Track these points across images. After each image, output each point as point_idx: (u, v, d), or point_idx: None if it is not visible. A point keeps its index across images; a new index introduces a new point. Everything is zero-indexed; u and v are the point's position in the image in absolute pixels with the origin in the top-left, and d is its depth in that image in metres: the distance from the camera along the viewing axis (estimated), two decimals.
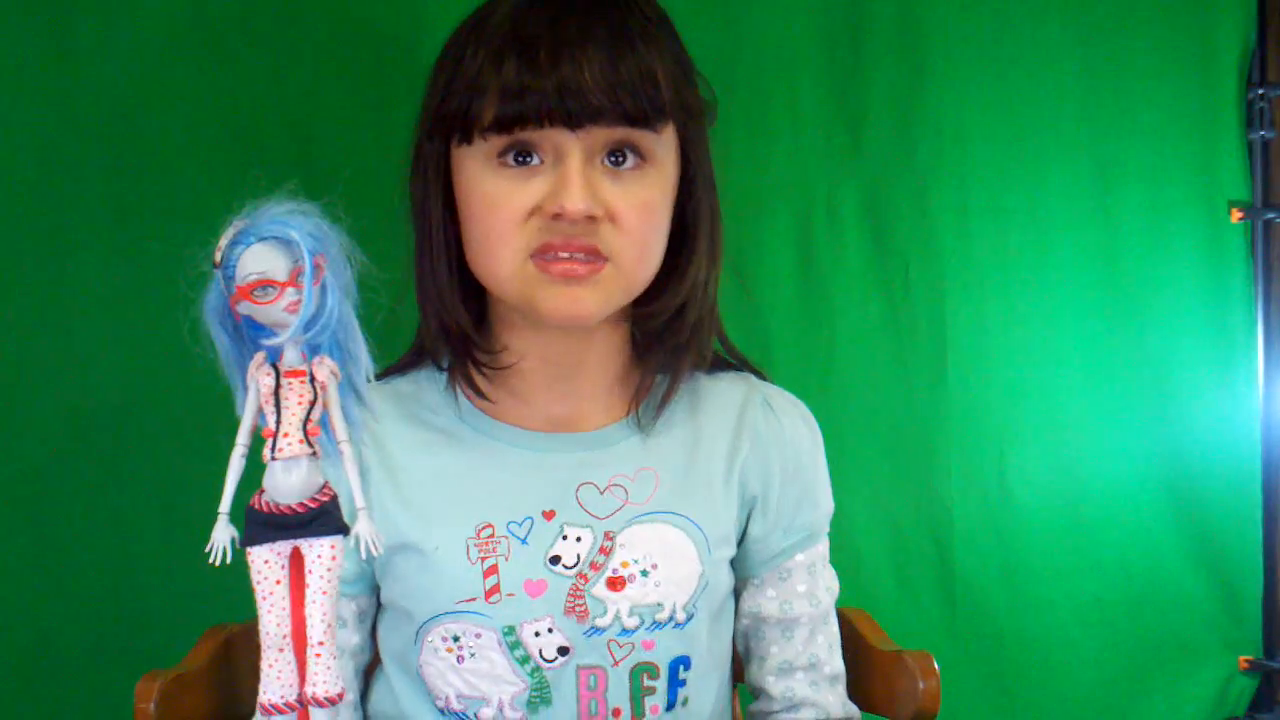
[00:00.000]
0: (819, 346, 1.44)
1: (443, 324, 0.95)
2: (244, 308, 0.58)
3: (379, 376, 0.98)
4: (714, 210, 0.98)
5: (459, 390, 0.98)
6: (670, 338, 0.97)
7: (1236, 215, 1.50)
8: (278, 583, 0.60)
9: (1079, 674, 1.50)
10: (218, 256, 0.58)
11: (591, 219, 0.88)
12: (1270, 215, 1.51)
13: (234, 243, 0.58)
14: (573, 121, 0.87)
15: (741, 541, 1.01)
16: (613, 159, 0.90)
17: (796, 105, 1.42)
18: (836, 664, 1.03)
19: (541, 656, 0.93)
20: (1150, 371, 1.50)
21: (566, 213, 0.87)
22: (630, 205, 0.90)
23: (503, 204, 0.89)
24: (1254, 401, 1.52)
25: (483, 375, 0.96)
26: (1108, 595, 1.50)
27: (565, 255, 0.89)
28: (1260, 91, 1.51)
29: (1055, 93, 1.47)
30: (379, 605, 0.99)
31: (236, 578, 0.62)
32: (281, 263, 0.58)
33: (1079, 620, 1.49)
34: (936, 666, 1.02)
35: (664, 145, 0.92)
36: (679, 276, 0.96)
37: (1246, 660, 1.53)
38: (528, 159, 0.89)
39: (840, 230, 1.44)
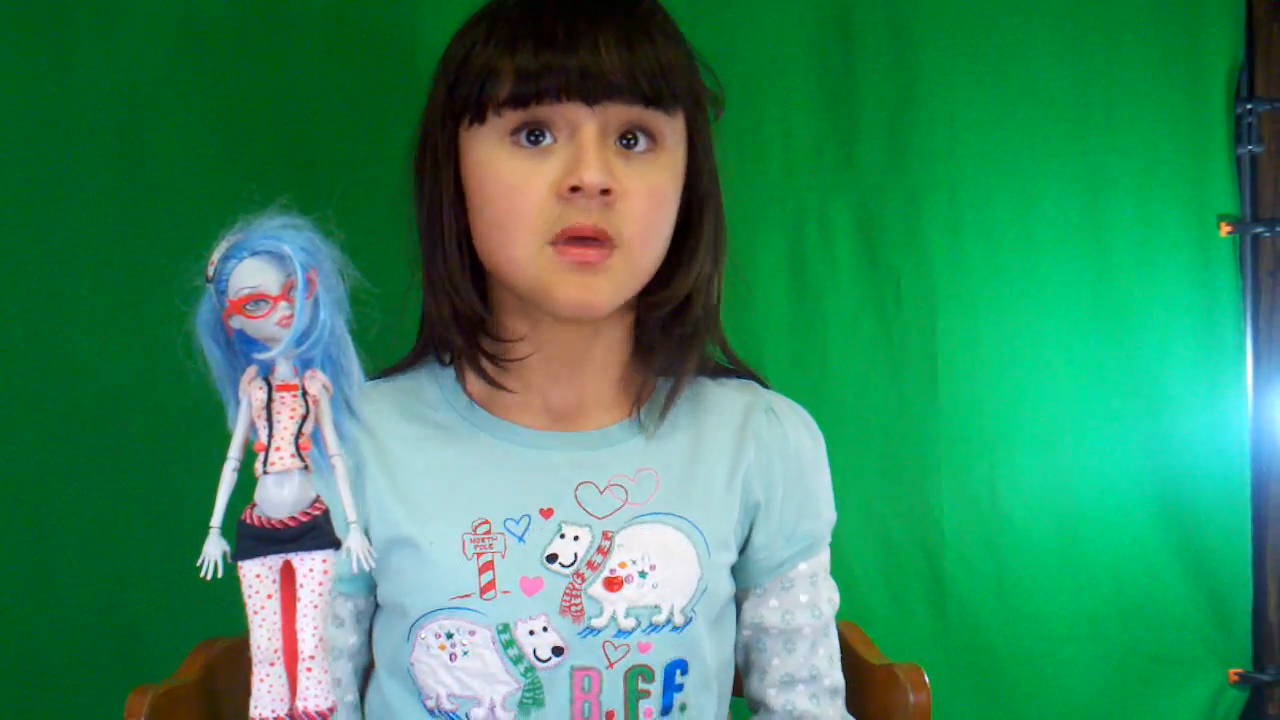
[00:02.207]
0: (811, 360, 1.44)
1: (455, 310, 0.95)
2: (236, 322, 0.59)
3: (380, 374, 1.00)
4: (718, 203, 0.99)
5: (465, 381, 0.98)
6: (675, 328, 0.98)
7: (1225, 229, 1.51)
8: (269, 597, 0.60)
9: (1070, 686, 1.50)
10: (210, 270, 0.59)
11: (607, 193, 0.88)
12: (1259, 229, 1.52)
13: (226, 257, 0.58)
14: (590, 97, 0.88)
15: (744, 550, 1.00)
16: (624, 141, 0.91)
17: (788, 120, 1.43)
18: (836, 677, 1.03)
19: (535, 656, 0.92)
20: (1141, 385, 1.50)
21: (585, 184, 0.87)
22: (640, 187, 0.91)
23: (520, 186, 0.89)
24: (1243, 415, 1.52)
25: (496, 365, 0.95)
26: (1099, 608, 1.50)
27: (581, 239, 0.89)
28: (1249, 106, 1.51)
29: (1046, 108, 1.48)
30: (376, 607, 0.99)
31: (228, 591, 0.62)
32: (274, 277, 0.58)
33: (1070, 633, 1.49)
34: (927, 679, 1.02)
35: (674, 132, 0.93)
36: (684, 266, 0.96)
37: (1236, 673, 1.53)
38: (540, 138, 0.90)
39: (832, 245, 1.44)
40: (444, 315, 0.95)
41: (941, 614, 1.47)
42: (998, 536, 1.48)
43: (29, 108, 1.24)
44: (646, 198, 0.91)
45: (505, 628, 0.92)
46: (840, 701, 1.03)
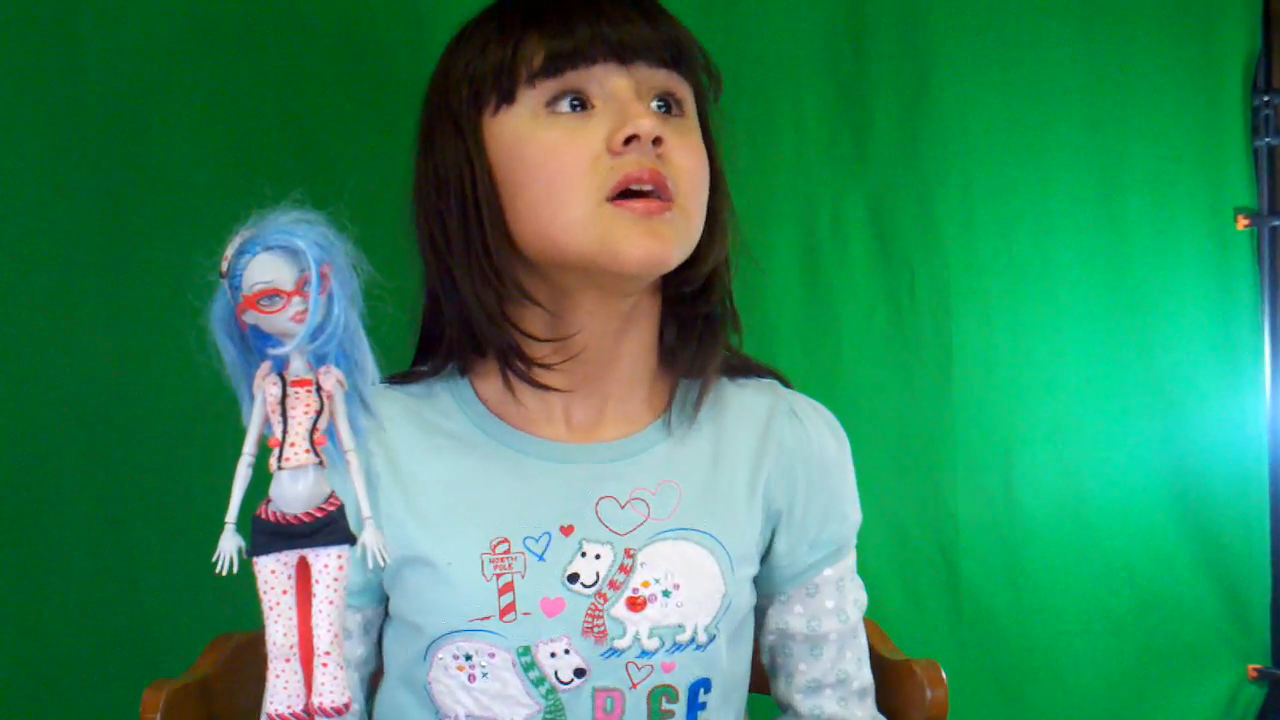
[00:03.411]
0: (824, 355, 1.43)
1: (501, 301, 0.91)
2: (250, 317, 0.58)
3: (386, 380, 0.97)
4: (726, 185, 0.97)
5: (485, 393, 0.95)
6: (699, 316, 0.96)
7: (1242, 222, 1.50)
8: (284, 593, 0.60)
9: (1086, 682, 1.49)
10: (224, 266, 0.58)
11: (658, 143, 0.87)
12: (1276, 222, 1.51)
13: (240, 252, 0.58)
14: (623, 57, 0.87)
15: (766, 557, 0.98)
16: (658, 105, 0.90)
17: (801, 114, 1.42)
18: (865, 677, 1.01)
19: (557, 678, 0.90)
20: (1156, 378, 1.50)
21: (642, 132, 0.86)
22: (684, 144, 0.90)
23: (567, 147, 0.87)
24: (1260, 408, 1.51)
25: (541, 366, 0.92)
26: (1114, 603, 1.49)
27: (646, 190, 0.87)
28: (1265, 98, 1.51)
29: (1060, 101, 1.47)
30: (386, 615, 0.97)
31: (243, 587, 0.61)
32: (288, 272, 0.58)
33: (1085, 628, 1.49)
34: (944, 675, 1.01)
35: (691, 103, 0.93)
36: (707, 243, 0.94)
37: (1255, 669, 1.52)
38: (578, 106, 0.88)
39: (845, 239, 1.44)
40: (490, 309, 0.91)
41: (956, 608, 1.46)
42: (1012, 531, 1.47)
43: (38, 103, 1.24)
44: (691, 154, 0.90)
45: (526, 650, 0.90)
46: (870, 701, 1.01)
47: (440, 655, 0.91)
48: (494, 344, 0.92)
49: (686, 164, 0.89)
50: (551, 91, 0.88)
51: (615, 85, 0.88)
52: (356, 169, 1.27)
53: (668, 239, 0.88)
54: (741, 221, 1.00)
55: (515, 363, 0.92)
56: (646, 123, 0.86)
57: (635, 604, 0.91)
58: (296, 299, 0.58)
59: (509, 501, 0.92)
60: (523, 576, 0.90)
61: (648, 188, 0.87)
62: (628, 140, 0.86)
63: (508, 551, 0.91)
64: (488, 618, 0.90)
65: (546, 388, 0.93)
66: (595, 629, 0.90)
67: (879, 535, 1.43)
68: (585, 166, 0.87)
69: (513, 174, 0.89)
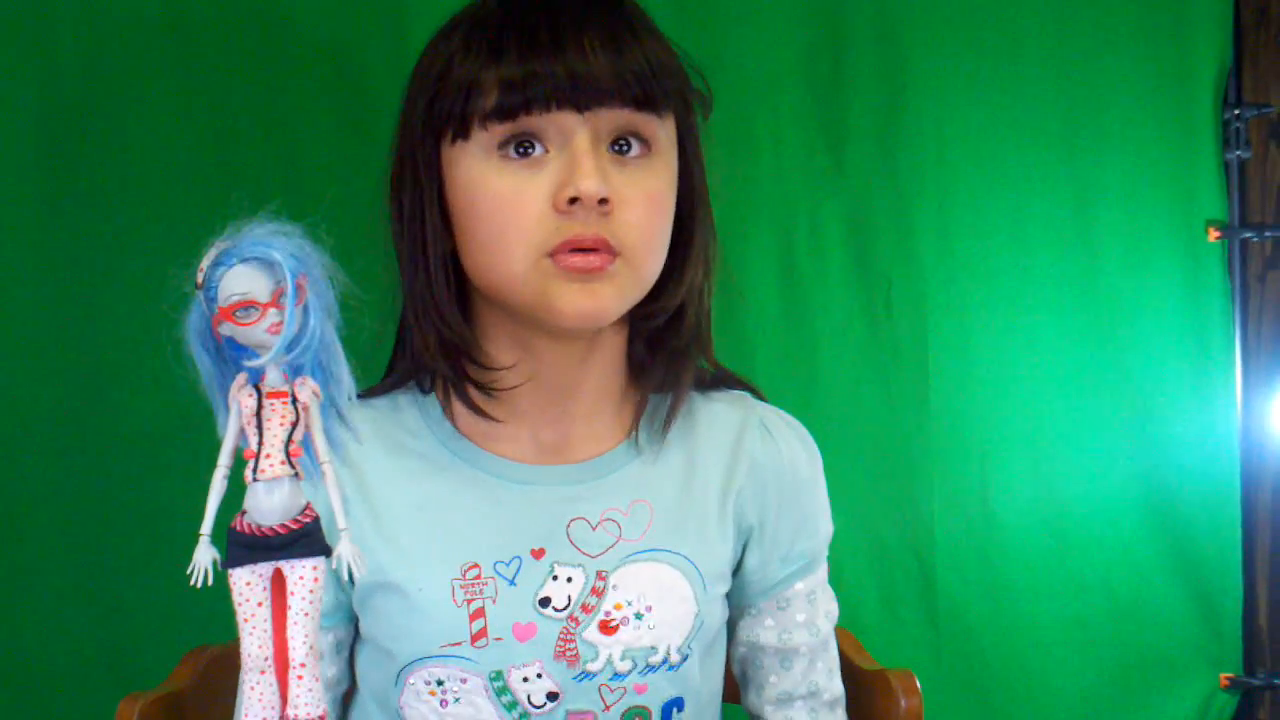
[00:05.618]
0: (801, 366, 1.44)
1: (441, 338, 0.91)
2: (226, 329, 0.58)
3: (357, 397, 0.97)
4: (708, 209, 0.96)
5: (452, 412, 0.94)
6: (668, 342, 0.95)
7: (1214, 234, 1.51)
8: (259, 604, 0.60)
9: (1061, 691, 1.50)
10: (200, 278, 0.58)
11: (604, 202, 0.85)
12: (1247, 234, 1.52)
13: (216, 264, 0.58)
14: (580, 103, 0.85)
15: (737, 571, 0.98)
16: (617, 147, 0.87)
17: (778, 125, 1.43)
18: (836, 688, 1.01)
19: (530, 702, 0.90)
20: (1130, 390, 1.50)
21: (583, 194, 0.84)
22: (638, 193, 0.87)
23: (513, 200, 0.86)
24: (1233, 419, 1.52)
25: (484, 394, 0.92)
26: (1089, 613, 1.50)
27: (582, 250, 0.85)
28: (1236, 112, 1.52)
29: (1036, 113, 1.48)
30: (357, 635, 0.96)
31: (218, 599, 0.61)
32: (264, 284, 0.58)
33: (1061, 638, 1.49)
34: (919, 684, 1.02)
35: (666, 134, 0.90)
36: (677, 276, 0.93)
37: (1227, 678, 1.53)
38: (530, 149, 0.86)
39: (822, 250, 1.44)
40: (429, 343, 0.91)
41: (932, 618, 1.47)
42: (988, 541, 1.48)
43: (11, 109, 1.24)
44: (645, 205, 0.88)
45: (498, 675, 0.89)
46: (840, 711, 1.02)
47: (412, 680, 0.91)
48: (440, 374, 0.93)
49: (637, 216, 0.87)
50: (503, 135, 0.86)
51: (569, 132, 0.86)
52: (334, 181, 1.25)
53: (604, 296, 0.87)
54: (719, 233, 1.00)
55: (464, 391, 0.92)
56: (590, 184, 0.84)
57: (608, 627, 0.90)
58: (272, 311, 0.58)
59: (479, 525, 0.91)
60: (494, 602, 0.90)
61: (590, 246, 0.86)
62: (572, 200, 0.85)
63: (478, 577, 0.90)
64: (459, 643, 0.89)
65: (492, 418, 0.92)
66: (568, 653, 0.90)
67: (855, 545, 1.44)
68: (530, 222, 0.86)
69: (465, 213, 0.89)
